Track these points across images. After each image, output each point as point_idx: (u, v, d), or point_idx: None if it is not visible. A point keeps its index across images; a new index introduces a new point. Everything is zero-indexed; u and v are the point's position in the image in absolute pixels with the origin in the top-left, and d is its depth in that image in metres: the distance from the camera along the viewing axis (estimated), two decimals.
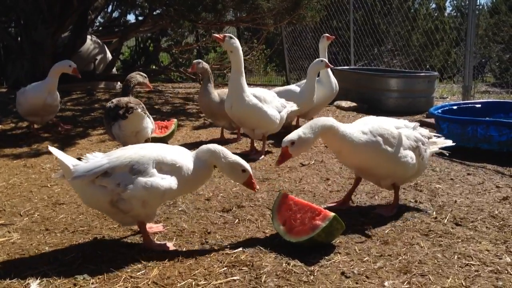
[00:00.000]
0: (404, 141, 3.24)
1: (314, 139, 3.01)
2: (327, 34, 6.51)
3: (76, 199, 3.77)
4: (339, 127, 3.05)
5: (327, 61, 5.88)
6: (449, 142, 3.61)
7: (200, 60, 5.78)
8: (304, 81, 6.03)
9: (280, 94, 5.54)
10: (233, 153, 2.89)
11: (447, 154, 3.72)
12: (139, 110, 4.38)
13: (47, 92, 5.76)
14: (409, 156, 3.24)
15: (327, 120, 3.04)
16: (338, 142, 3.09)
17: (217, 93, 5.59)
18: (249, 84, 5.42)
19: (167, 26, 11.75)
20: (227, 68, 12.34)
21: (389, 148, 3.16)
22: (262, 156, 5.01)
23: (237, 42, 4.74)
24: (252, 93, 4.87)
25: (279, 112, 5.08)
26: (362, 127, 3.19)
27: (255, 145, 5.27)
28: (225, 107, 5.04)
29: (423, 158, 3.36)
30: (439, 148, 3.57)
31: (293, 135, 2.97)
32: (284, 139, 2.99)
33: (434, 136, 3.62)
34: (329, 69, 6.18)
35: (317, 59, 5.90)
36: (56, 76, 5.84)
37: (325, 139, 3.18)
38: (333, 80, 6.38)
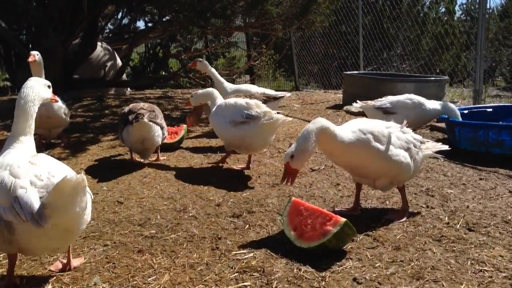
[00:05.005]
0: (395, 140, 3.24)
1: (314, 144, 2.97)
2: None
3: None
4: (331, 126, 3.04)
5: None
6: (445, 147, 3.62)
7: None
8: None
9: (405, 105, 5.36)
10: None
11: (441, 158, 3.73)
12: (145, 119, 4.40)
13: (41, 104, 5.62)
14: (402, 155, 3.24)
15: (320, 121, 3.01)
16: (330, 142, 3.07)
17: None
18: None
19: (176, 33, 11.81)
20: (236, 74, 12.38)
21: (379, 145, 3.15)
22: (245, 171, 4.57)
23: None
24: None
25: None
26: (351, 127, 3.20)
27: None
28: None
29: (415, 160, 3.36)
30: (434, 152, 3.56)
31: (291, 148, 2.97)
32: (285, 154, 3.00)
33: (429, 141, 3.62)
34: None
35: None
36: None
37: (320, 141, 3.06)
38: None
